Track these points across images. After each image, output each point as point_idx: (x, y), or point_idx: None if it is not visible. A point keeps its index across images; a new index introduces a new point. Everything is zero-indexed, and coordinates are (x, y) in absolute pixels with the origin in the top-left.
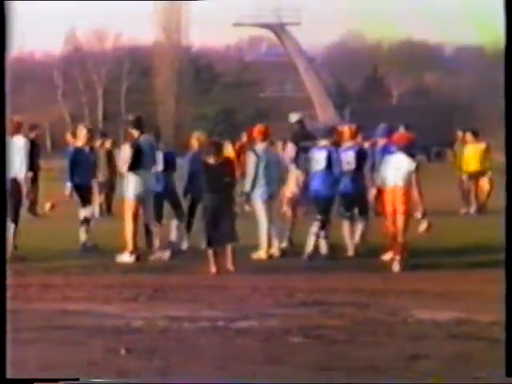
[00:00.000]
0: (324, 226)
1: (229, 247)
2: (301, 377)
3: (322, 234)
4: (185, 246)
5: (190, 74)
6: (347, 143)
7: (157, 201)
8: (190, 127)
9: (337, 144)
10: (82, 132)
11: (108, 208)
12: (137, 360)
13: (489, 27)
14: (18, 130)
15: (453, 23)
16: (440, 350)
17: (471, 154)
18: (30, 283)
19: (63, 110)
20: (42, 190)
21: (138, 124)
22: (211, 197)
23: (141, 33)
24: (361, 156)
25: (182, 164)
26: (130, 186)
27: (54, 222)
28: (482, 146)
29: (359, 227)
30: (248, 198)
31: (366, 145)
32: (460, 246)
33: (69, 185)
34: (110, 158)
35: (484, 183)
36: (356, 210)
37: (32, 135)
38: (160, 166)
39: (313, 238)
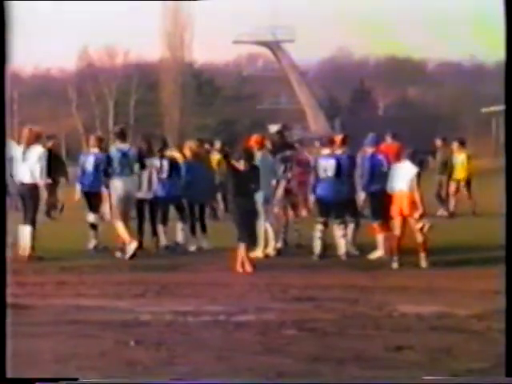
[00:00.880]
0: (345, 226)
1: (243, 248)
2: (295, 367)
3: (341, 233)
4: (192, 247)
5: (192, 88)
6: (338, 150)
7: (161, 205)
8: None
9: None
10: (93, 140)
11: None
12: (145, 351)
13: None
14: (36, 140)
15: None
16: (423, 341)
17: (459, 162)
18: (47, 281)
19: (77, 121)
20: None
21: (121, 135)
22: (240, 200)
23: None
24: (341, 164)
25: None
26: (113, 191)
27: (68, 224)
28: (465, 154)
29: (350, 229)
30: None
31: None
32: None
33: (78, 188)
34: None
35: (465, 189)
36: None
37: (49, 145)
38: (165, 173)
39: (342, 241)
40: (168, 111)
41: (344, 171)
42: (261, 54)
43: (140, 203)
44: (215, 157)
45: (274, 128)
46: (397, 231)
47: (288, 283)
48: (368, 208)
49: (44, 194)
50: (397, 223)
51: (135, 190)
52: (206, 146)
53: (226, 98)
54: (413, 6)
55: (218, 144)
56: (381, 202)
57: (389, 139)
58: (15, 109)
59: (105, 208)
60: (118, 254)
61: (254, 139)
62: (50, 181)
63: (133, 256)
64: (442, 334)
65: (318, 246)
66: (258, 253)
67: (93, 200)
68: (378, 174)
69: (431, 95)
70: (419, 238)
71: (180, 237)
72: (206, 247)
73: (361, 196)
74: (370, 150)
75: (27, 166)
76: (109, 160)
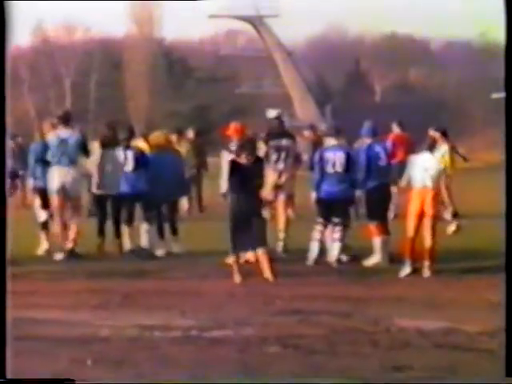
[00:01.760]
0: (345, 229)
1: (263, 253)
2: None
3: (338, 236)
4: (160, 251)
5: (162, 69)
6: (332, 142)
7: (126, 202)
8: (162, 124)
9: (318, 143)
10: (47, 126)
11: None
12: (104, 371)
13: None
14: None
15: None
16: (425, 360)
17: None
18: None
19: (28, 105)
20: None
21: (65, 119)
22: (241, 198)
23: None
24: (350, 157)
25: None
26: (49, 181)
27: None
28: (447, 146)
29: (342, 232)
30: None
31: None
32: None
33: (30, 183)
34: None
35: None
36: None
37: None
38: (129, 166)
39: (338, 245)
40: (134, 94)
41: (354, 165)
42: (241, 31)
43: (101, 200)
44: (187, 147)
45: (272, 113)
46: (410, 232)
47: (272, 293)
48: (363, 207)
49: None
50: (412, 223)
51: (76, 183)
52: (178, 135)
53: (201, 80)
54: None
55: (190, 133)
56: (378, 200)
57: (395, 128)
58: None
59: (36, 203)
60: (59, 256)
61: (232, 128)
62: None
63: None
64: (446, 352)
65: (315, 249)
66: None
67: (46, 196)
68: (375, 169)
69: (435, 79)
70: (428, 242)
71: (144, 240)
72: (177, 251)
73: (357, 193)
74: (366, 141)
75: None
76: (45, 148)
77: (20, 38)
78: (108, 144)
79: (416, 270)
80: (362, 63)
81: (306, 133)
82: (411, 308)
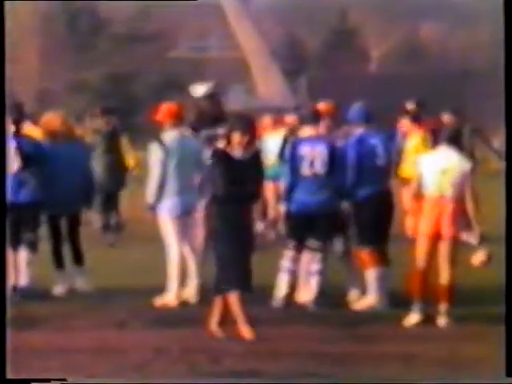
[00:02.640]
0: (325, 256)
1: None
2: None
3: (318, 267)
4: (58, 289)
5: (61, 21)
6: (308, 131)
7: (15, 215)
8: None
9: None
10: None
11: None
12: None
13: None
14: None
15: None
16: None
17: (411, 149)
18: None
19: None
20: None
21: None
22: (233, 211)
23: None
24: (335, 153)
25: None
26: None
27: None
28: (420, 135)
29: (323, 261)
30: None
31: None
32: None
33: None
34: None
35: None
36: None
37: None
38: (15, 163)
39: (316, 280)
40: (20, 56)
41: (340, 166)
42: None
43: None
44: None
45: (199, 89)
46: (420, 262)
47: (219, 349)
48: (352, 225)
49: None
50: (423, 249)
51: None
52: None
53: (117, 38)
54: None
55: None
56: (374, 216)
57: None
58: None
59: None
60: None
61: (165, 110)
62: None
63: None
64: None
65: (283, 285)
66: (168, 299)
67: None
68: (370, 170)
69: (459, 36)
70: (445, 276)
71: (24, 275)
72: (83, 288)
73: (344, 206)
74: (356, 130)
75: None
76: None
77: None
78: None
79: (428, 317)
80: (350, 15)
81: (289, 118)
82: (421, 371)
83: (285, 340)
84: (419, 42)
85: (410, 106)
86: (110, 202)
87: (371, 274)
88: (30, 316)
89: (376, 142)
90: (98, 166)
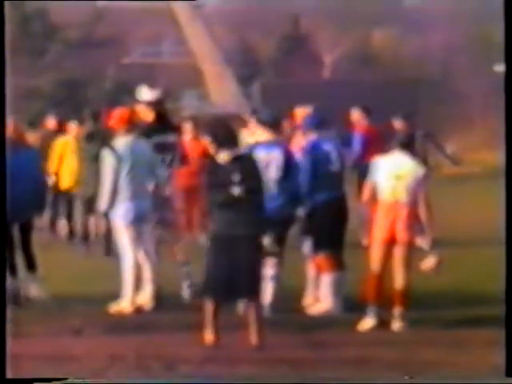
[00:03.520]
0: (281, 261)
1: (251, 306)
2: None
3: (273, 272)
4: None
5: (13, 24)
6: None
7: None
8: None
9: None
10: None
11: None
12: None
13: None
14: None
15: None
16: None
17: None
18: None
19: None
20: None
21: None
22: (220, 218)
23: None
24: (291, 159)
25: None
26: None
27: None
28: None
29: (278, 267)
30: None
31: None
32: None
33: None
34: None
35: None
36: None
37: None
38: None
39: (272, 285)
40: None
41: (295, 170)
42: None
43: None
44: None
45: (147, 94)
46: (375, 267)
47: (175, 355)
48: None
49: None
50: (377, 254)
51: None
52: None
53: (69, 43)
54: None
55: (51, 120)
56: (329, 221)
57: (356, 114)
58: None
59: None
60: None
61: (117, 115)
62: None
63: None
64: None
65: (267, 294)
66: (123, 305)
67: None
68: (324, 176)
69: (410, 44)
70: (399, 281)
71: None
72: (36, 295)
73: (299, 212)
74: (309, 136)
75: None
76: None
77: None
78: None
79: (383, 322)
80: (303, 21)
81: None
82: (376, 375)
83: (241, 346)
84: (371, 48)
85: (355, 112)
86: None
87: (326, 279)
88: None
89: (329, 147)
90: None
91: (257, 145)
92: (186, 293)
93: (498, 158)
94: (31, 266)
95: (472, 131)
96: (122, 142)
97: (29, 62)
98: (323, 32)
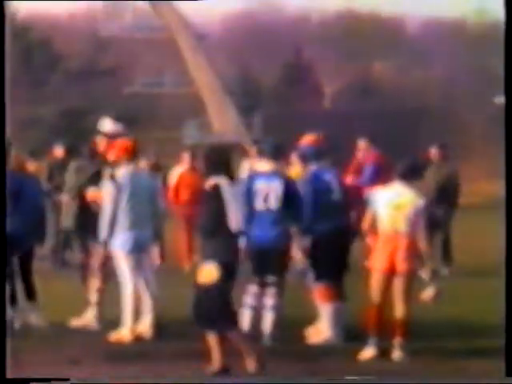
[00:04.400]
0: (281, 291)
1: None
2: None
3: (272, 302)
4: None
5: (15, 54)
6: (263, 166)
7: None
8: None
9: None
10: None
11: None
12: None
13: None
14: None
15: None
16: None
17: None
18: None
19: None
20: None
21: None
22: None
23: None
24: (290, 189)
25: None
26: None
27: None
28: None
29: (278, 296)
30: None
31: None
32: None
33: None
34: None
35: None
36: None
37: None
38: None
39: (272, 315)
40: None
41: (295, 201)
42: (129, 3)
43: None
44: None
45: (106, 125)
46: (375, 297)
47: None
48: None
49: None
50: (377, 284)
51: None
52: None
53: (71, 72)
54: None
55: (58, 149)
56: (330, 252)
57: (362, 144)
58: None
59: None
60: None
61: (118, 145)
62: None
63: None
64: None
65: (247, 319)
66: (123, 333)
67: None
68: (325, 206)
69: (411, 75)
70: (399, 311)
71: None
72: (36, 323)
73: (301, 242)
74: (311, 168)
75: None
76: None
77: None
78: None
79: (384, 352)
80: (305, 52)
81: (254, 150)
82: None
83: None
84: (372, 79)
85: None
86: None
87: (327, 309)
88: None
89: (330, 177)
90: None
91: (257, 174)
92: None
93: (498, 188)
94: (31, 295)
95: (471, 162)
96: (122, 171)
97: (31, 92)
98: (324, 63)
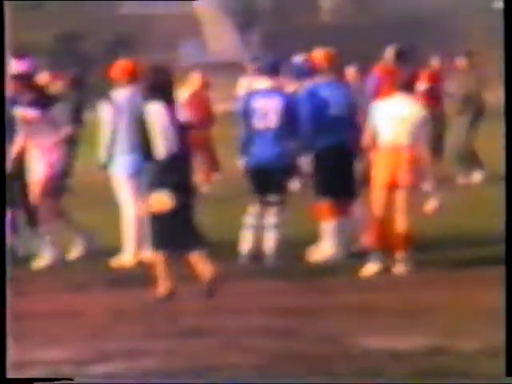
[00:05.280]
0: (282, 209)
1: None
2: None
3: (275, 220)
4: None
5: None
6: (262, 83)
7: None
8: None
9: None
10: None
11: None
12: None
13: None
14: None
15: None
16: None
17: None
18: None
19: None
20: None
21: None
22: None
23: None
24: (289, 106)
25: None
26: None
27: None
28: None
29: (280, 215)
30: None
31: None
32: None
33: None
34: None
35: None
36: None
37: None
38: None
39: (274, 234)
40: None
41: (295, 118)
42: None
43: None
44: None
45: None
46: (377, 211)
47: (176, 306)
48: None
49: None
50: (380, 198)
51: None
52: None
53: None
54: None
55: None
56: (332, 167)
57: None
58: None
59: None
60: None
61: (118, 67)
62: None
63: None
64: (432, 380)
65: (249, 240)
66: (125, 259)
67: None
68: (325, 121)
69: None
70: (402, 224)
71: None
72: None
73: (303, 160)
74: (308, 83)
75: None
76: None
77: None
78: None
79: (387, 267)
80: None
81: (252, 68)
82: (381, 320)
83: (243, 296)
84: None
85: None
86: None
87: (329, 226)
88: None
89: (327, 92)
90: None
91: (255, 92)
92: None
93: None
94: (32, 222)
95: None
96: (120, 93)
97: (22, 15)
98: None
